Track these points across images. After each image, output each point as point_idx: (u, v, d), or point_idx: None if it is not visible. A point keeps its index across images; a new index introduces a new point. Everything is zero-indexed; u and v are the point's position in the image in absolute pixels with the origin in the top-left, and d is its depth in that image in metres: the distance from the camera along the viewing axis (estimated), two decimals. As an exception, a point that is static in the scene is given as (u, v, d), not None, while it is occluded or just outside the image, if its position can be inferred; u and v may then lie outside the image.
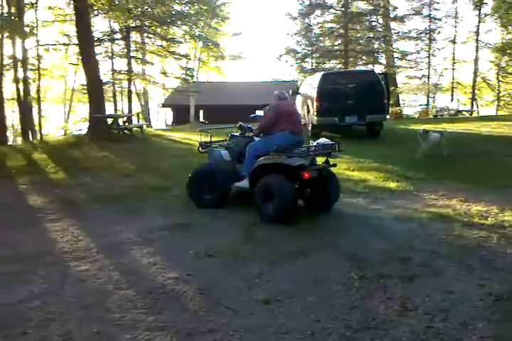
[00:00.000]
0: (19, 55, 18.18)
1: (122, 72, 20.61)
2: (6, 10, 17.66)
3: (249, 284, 3.58)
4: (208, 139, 6.38)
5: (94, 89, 13.94)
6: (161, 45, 21.33)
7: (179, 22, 20.80)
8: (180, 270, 3.88)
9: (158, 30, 20.39)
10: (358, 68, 28.98)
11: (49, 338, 2.88)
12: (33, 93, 20.74)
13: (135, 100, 25.84)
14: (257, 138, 5.88)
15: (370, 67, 29.45)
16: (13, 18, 16.65)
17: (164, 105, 31.16)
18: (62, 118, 32.11)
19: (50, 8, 19.43)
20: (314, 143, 5.73)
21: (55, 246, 4.66)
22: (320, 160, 5.66)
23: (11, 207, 6.34)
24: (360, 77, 12.04)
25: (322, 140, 6.01)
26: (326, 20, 30.59)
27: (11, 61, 18.64)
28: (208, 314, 3.12)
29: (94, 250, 4.46)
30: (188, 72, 21.64)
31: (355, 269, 3.78)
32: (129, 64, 19.98)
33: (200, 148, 6.25)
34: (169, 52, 20.80)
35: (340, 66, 28.72)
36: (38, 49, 19.01)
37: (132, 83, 21.69)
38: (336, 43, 30.18)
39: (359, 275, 3.66)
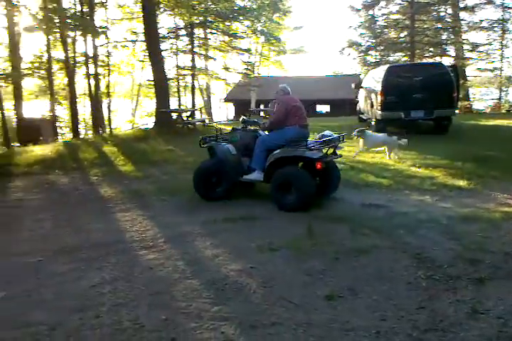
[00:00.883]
0: (90, 52, 19.13)
1: (186, 67, 21.10)
2: (78, 9, 18.61)
3: (311, 279, 3.56)
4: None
5: (160, 85, 14.35)
6: (224, 41, 21.62)
7: (241, 17, 20.97)
8: (243, 262, 3.93)
9: (221, 25, 20.68)
10: (424, 61, 27.86)
11: (120, 322, 3.01)
12: (102, 88, 21.73)
13: (198, 95, 26.37)
14: (262, 132, 6.11)
15: (437, 59, 28.21)
16: (85, 17, 17.45)
17: (226, 100, 31.57)
18: (130, 112, 33.40)
19: (119, 6, 20.21)
20: (318, 136, 6.13)
21: (125, 235, 4.87)
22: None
23: (84, 197, 6.70)
24: (427, 70, 11.55)
25: (326, 132, 6.27)
26: (391, 12, 29.61)
27: (83, 58, 19.66)
28: (271, 307, 3.15)
29: (161, 240, 4.62)
30: (249, 67, 21.80)
31: (422, 269, 3.66)
32: (192, 60, 20.43)
33: (201, 142, 6.32)
34: (231, 47, 21.05)
35: (405, 59, 27.74)
36: (107, 46, 19.85)
37: (195, 78, 22.15)
38: (402, 35, 29.13)
39: (426, 275, 3.55)
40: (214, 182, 6.00)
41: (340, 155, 6.20)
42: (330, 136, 6.00)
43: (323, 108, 28.88)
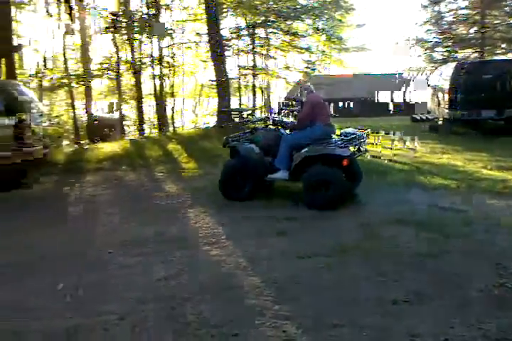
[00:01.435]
0: (155, 54, 19.78)
1: (247, 67, 21.30)
2: (145, 11, 19.29)
3: (376, 283, 3.49)
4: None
5: (222, 85, 14.60)
6: (285, 40, 21.59)
7: (303, 16, 20.84)
8: (311, 262, 3.89)
9: (282, 25, 20.65)
10: (496, 58, 26.44)
11: (184, 316, 3.08)
12: (166, 89, 22.39)
13: (258, 94, 26.56)
14: (284, 131, 6.15)
15: (510, 56, 26.66)
16: (152, 19, 18.05)
17: (286, 98, 31.52)
18: (192, 112, 34.18)
19: (184, 8, 20.73)
20: (342, 133, 6.07)
21: (188, 231, 5.01)
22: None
23: (149, 193, 6.94)
24: (499, 67, 10.97)
25: (349, 129, 6.33)
26: (459, 7, 28.36)
27: (149, 59, 20.36)
28: (334, 309, 3.11)
29: (223, 236, 4.70)
30: (310, 66, 21.65)
31: (494, 276, 3.48)
32: (253, 59, 20.59)
33: (225, 142, 6.37)
34: (292, 46, 20.98)
35: (475, 55, 26.45)
36: (172, 47, 20.41)
37: (256, 78, 22.30)
38: (471, 31, 27.81)
39: (499, 282, 3.36)
40: (238, 182, 6.02)
41: (367, 150, 6.42)
42: (353, 133, 6.01)
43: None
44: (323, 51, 26.17)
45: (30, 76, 20.31)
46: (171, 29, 19.75)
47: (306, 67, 21.55)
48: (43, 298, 3.46)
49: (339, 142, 5.72)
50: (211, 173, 7.92)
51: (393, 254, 3.98)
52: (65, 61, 18.64)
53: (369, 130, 6.63)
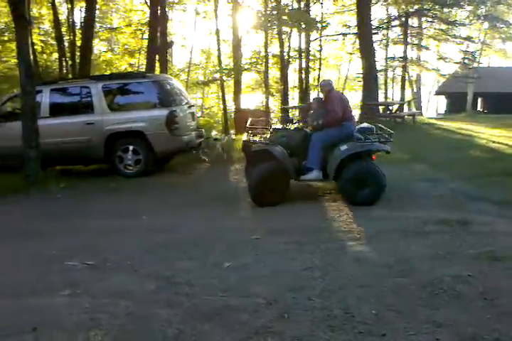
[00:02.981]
0: (303, 47, 19.99)
1: (397, 58, 20.41)
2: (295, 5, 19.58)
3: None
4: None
5: (369, 77, 14.24)
6: (441, 29, 20.18)
7: (463, 3, 19.20)
8: (459, 268, 3.62)
9: (439, 13, 19.30)
10: None
11: (330, 308, 3.07)
12: (311, 81, 22.56)
13: (407, 87, 25.30)
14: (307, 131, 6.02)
15: None
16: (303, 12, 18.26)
17: (438, 92, 29.58)
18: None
19: (334, 0, 20.60)
20: (357, 128, 6.04)
21: (333, 224, 5.01)
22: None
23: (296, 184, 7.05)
24: None
25: (365, 124, 6.35)
26: None
27: (296, 53, 20.69)
28: (493, 321, 2.84)
29: (368, 233, 4.59)
30: (469, 57, 19.90)
31: None
32: (404, 50, 19.64)
33: (242, 147, 6.18)
34: (449, 35, 19.50)
35: None
36: (320, 40, 20.43)
37: (406, 70, 21.26)
38: None
39: None
40: (273, 186, 5.73)
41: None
42: (369, 128, 6.14)
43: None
44: (483, 41, 23.95)
45: (179, 70, 22.11)
46: (323, 22, 19.73)
47: (464, 58, 19.85)
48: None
49: (368, 138, 5.73)
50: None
51: None
52: (219, 56, 19.80)
53: None
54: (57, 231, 5.21)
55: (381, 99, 21.38)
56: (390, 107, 14.49)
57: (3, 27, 19.43)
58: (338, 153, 5.63)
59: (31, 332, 2.88)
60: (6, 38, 17.48)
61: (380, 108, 14.77)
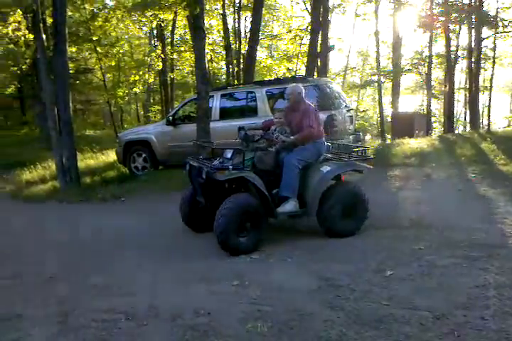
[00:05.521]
0: (473, 45, 18.36)
1: None
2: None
3: None
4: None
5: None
6: None
7: None
8: None
9: None
10: None
11: (507, 331, 2.80)
12: (480, 82, 20.65)
13: None
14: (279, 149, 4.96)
15: None
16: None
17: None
18: (507, 108, 30.75)
19: (513, -8, 18.53)
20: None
21: (508, 240, 4.52)
22: None
23: (464, 195, 6.56)
24: None
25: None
26: None
27: (465, 52, 19.14)
28: None
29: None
30: None
31: None
32: None
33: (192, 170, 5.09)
34: None
35: None
36: (494, 37, 18.58)
37: None
38: None
39: None
40: (244, 225, 4.54)
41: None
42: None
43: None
44: None
45: (335, 74, 21.97)
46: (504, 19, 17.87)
47: None
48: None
49: (344, 157, 5.17)
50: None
51: None
52: (377, 58, 19.27)
53: None
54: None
55: None
56: None
57: (178, 38, 21.65)
58: (319, 176, 4.80)
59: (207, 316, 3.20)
60: (182, 48, 19.34)
61: None
